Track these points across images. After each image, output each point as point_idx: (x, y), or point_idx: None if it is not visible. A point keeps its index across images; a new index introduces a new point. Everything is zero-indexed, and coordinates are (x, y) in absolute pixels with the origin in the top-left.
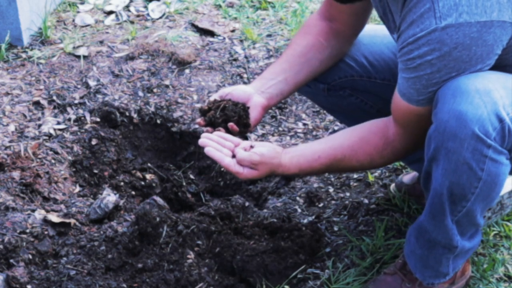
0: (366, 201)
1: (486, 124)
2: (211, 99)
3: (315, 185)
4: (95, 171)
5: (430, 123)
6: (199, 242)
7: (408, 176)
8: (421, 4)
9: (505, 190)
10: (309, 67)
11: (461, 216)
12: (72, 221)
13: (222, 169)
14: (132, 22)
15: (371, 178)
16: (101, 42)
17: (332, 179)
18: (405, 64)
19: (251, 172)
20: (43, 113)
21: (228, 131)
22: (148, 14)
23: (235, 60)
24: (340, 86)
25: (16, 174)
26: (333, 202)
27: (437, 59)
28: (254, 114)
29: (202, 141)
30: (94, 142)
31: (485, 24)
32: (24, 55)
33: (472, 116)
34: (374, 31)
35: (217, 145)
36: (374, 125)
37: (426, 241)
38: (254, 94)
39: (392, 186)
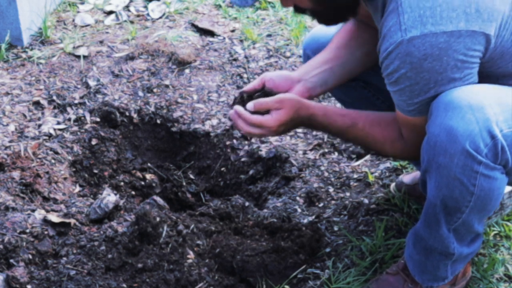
0: (366, 201)
1: (477, 140)
2: (249, 85)
3: (315, 185)
4: (95, 171)
5: None
6: (199, 242)
7: (409, 176)
8: (390, 18)
9: (505, 190)
10: (355, 58)
11: (457, 225)
12: (72, 221)
13: (222, 169)
14: (132, 22)
15: (371, 178)
16: (101, 42)
17: (332, 179)
18: (386, 79)
19: (279, 114)
20: (43, 113)
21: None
22: (148, 14)
23: (235, 60)
24: (354, 77)
25: (16, 174)
26: (333, 202)
27: (411, 71)
28: None
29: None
30: (94, 142)
31: (452, 34)
32: (24, 55)
33: (463, 131)
34: None
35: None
36: (395, 119)
37: (423, 248)
38: (297, 84)
39: (392, 186)
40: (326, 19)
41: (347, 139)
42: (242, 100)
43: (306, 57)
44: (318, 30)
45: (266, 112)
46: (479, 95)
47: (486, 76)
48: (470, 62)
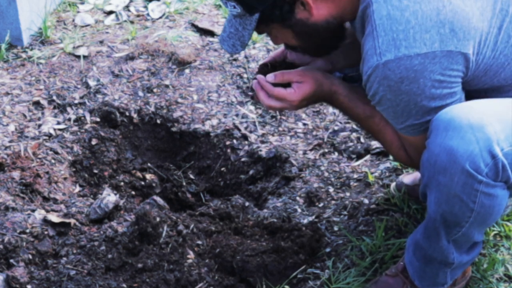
0: (366, 201)
1: (478, 161)
2: (270, 56)
3: (315, 185)
4: (95, 171)
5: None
6: (199, 242)
7: (409, 176)
8: (367, 41)
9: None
10: None
11: (457, 237)
12: (72, 221)
13: (222, 169)
14: (132, 22)
15: (371, 178)
16: (101, 42)
17: (332, 179)
18: (372, 100)
19: (301, 87)
20: (43, 113)
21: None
22: (148, 14)
23: (235, 60)
24: (355, 78)
25: (16, 174)
26: (333, 202)
27: (390, 93)
28: None
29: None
30: (94, 142)
31: (426, 55)
32: (24, 55)
33: (463, 152)
34: None
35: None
36: None
37: (423, 257)
38: (319, 58)
39: (392, 186)
40: (316, 53)
41: (361, 126)
42: (267, 71)
43: None
44: None
45: (287, 84)
46: (480, 113)
47: (474, 91)
48: (448, 82)
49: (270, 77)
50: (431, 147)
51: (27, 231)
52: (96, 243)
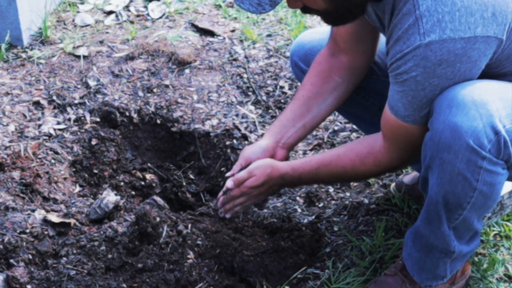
0: (366, 201)
1: (481, 136)
2: (235, 168)
3: (315, 185)
4: (95, 171)
5: (419, 142)
6: (199, 242)
7: (408, 176)
8: (405, 19)
9: (505, 190)
10: (326, 106)
11: (458, 223)
12: (72, 221)
13: (222, 168)
14: (132, 22)
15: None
16: (101, 42)
17: None
18: (394, 78)
19: (251, 180)
20: (43, 113)
21: None
22: (148, 14)
23: (235, 60)
24: None
25: (16, 174)
26: (333, 202)
27: (421, 75)
28: None
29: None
30: (94, 142)
31: (469, 40)
32: (24, 55)
33: (467, 128)
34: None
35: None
36: (364, 138)
37: (423, 246)
38: (277, 150)
39: (392, 186)
40: (335, 20)
41: (325, 181)
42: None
43: (294, 63)
44: (304, 36)
45: None
46: (482, 91)
47: (487, 76)
48: (477, 68)
49: (229, 183)
50: (435, 126)
51: (27, 231)
52: (96, 243)
